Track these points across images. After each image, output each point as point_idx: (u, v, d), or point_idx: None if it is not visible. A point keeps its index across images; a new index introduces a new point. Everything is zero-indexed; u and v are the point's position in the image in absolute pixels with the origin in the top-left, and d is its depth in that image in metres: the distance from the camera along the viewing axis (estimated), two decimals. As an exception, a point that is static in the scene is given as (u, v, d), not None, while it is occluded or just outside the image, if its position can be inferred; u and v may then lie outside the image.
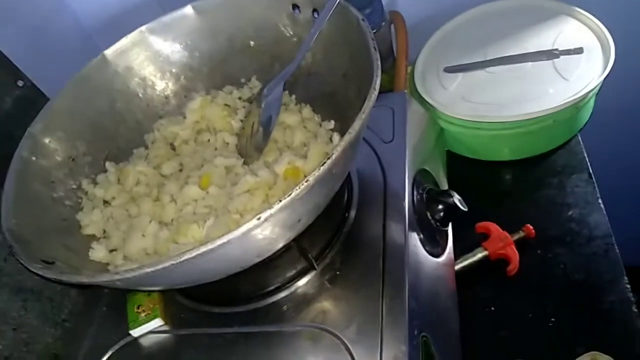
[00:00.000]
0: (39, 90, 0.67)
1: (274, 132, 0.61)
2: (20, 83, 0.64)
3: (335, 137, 0.58)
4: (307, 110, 0.63)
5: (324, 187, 0.45)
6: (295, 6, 0.61)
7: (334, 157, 0.40)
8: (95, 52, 0.65)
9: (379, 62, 0.45)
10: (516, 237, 0.65)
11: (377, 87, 0.44)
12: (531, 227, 0.66)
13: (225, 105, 0.67)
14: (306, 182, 0.39)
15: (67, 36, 0.80)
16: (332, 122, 0.60)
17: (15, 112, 0.63)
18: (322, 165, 0.40)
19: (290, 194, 0.39)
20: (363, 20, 0.50)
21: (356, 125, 0.41)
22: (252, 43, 0.67)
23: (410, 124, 0.67)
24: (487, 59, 0.77)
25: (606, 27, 0.73)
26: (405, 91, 0.74)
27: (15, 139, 0.57)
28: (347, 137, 0.41)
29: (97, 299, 0.63)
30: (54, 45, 0.76)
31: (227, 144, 0.64)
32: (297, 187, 0.39)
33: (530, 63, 0.74)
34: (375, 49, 0.46)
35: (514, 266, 0.63)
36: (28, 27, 0.72)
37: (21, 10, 0.72)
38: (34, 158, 0.58)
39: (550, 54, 0.74)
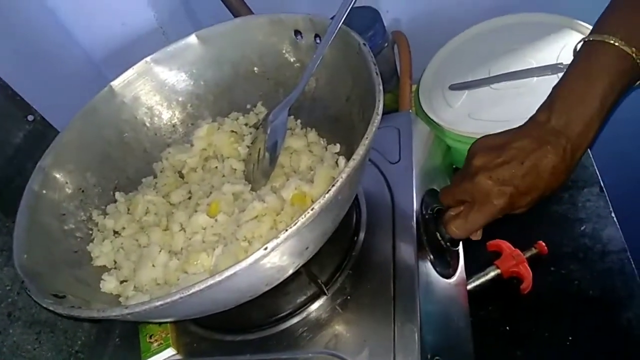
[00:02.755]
0: (48, 124, 0.68)
1: (281, 157, 0.61)
2: (30, 117, 0.65)
3: (341, 160, 0.58)
4: (312, 135, 0.64)
5: (331, 213, 0.45)
6: (297, 32, 0.62)
7: (338, 183, 0.40)
8: (104, 84, 0.66)
9: (381, 87, 0.45)
10: (528, 254, 0.64)
11: (380, 111, 0.44)
12: (543, 243, 0.65)
13: (232, 131, 0.67)
14: (312, 210, 0.39)
15: (76, 69, 0.82)
16: (338, 145, 0.61)
17: (26, 147, 0.64)
18: (328, 192, 0.40)
19: (296, 223, 0.39)
20: (364, 44, 0.50)
21: (360, 151, 0.41)
22: (256, 69, 0.68)
23: (416, 143, 0.67)
24: (492, 75, 0.77)
25: (610, 39, 0.73)
26: (410, 110, 0.74)
27: (26, 173, 0.58)
28: (352, 163, 0.41)
29: (110, 329, 0.63)
30: (64, 78, 0.78)
31: (235, 170, 0.64)
32: (303, 215, 0.39)
33: (535, 78, 0.74)
34: (377, 74, 0.47)
35: (527, 284, 0.62)
36: (37, 61, 0.74)
37: (30, 45, 0.73)
38: (44, 192, 0.58)
39: (555, 68, 0.73)
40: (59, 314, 0.45)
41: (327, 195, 0.40)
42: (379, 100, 0.44)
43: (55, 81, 0.75)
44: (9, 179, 0.61)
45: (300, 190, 0.55)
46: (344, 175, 0.40)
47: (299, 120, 0.66)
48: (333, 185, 0.40)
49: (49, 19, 0.77)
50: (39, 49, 0.75)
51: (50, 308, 0.45)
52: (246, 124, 0.68)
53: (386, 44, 0.78)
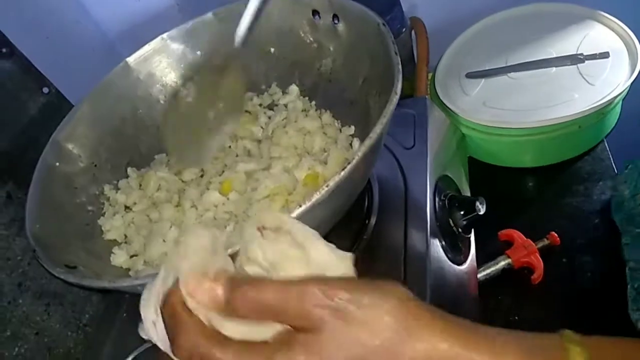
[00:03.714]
0: (63, 97, 0.68)
1: (294, 138, 0.61)
2: (45, 90, 0.65)
3: (356, 142, 0.58)
4: (327, 116, 0.63)
5: (344, 193, 0.45)
6: (315, 12, 0.61)
7: (354, 161, 0.39)
8: (118, 60, 0.66)
9: (400, 66, 0.45)
10: (540, 244, 0.64)
11: (399, 90, 0.43)
12: (556, 234, 0.64)
13: (246, 112, 0.67)
14: (326, 187, 0.39)
15: (90, 44, 0.81)
16: (352, 127, 0.60)
17: (40, 118, 0.64)
18: (343, 170, 0.39)
19: (310, 200, 0.38)
20: (384, 24, 0.50)
21: (377, 129, 0.41)
22: (272, 50, 0.67)
23: (432, 129, 0.66)
24: (510, 64, 0.76)
25: (632, 31, 0.72)
26: (427, 96, 0.73)
27: (39, 145, 0.58)
28: (368, 141, 0.41)
29: (118, 304, 0.63)
30: (78, 54, 0.78)
31: (249, 150, 0.64)
32: (318, 192, 0.39)
33: (554, 68, 0.73)
34: (396, 53, 0.46)
35: (538, 275, 0.62)
36: (52, 35, 0.73)
37: (45, 19, 0.73)
38: (57, 164, 0.58)
39: (575, 59, 0.72)
40: (70, 283, 0.45)
41: (342, 173, 0.39)
42: (398, 80, 0.44)
43: (70, 56, 0.75)
44: (23, 150, 0.61)
45: (314, 171, 0.55)
46: (360, 154, 0.40)
47: (313, 102, 0.65)
48: (349, 163, 0.39)
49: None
50: (55, 23, 0.75)
51: (62, 277, 0.45)
52: (260, 105, 0.68)
53: (404, 30, 0.77)
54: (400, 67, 0.45)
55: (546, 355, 0.29)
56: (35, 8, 0.72)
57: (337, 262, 0.29)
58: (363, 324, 0.27)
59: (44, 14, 0.73)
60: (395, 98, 0.43)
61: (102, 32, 0.83)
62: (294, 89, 0.66)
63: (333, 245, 0.30)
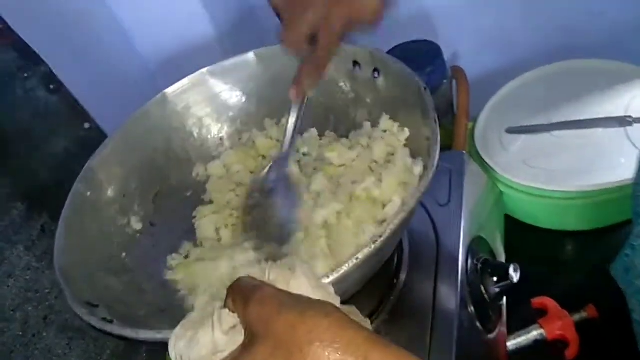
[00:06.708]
0: (102, 131, 0.69)
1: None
2: (86, 125, 0.66)
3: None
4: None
5: (374, 260, 0.44)
6: (356, 63, 0.61)
7: (385, 235, 0.38)
8: (157, 93, 0.67)
9: (439, 136, 0.44)
10: (577, 317, 0.61)
11: (436, 162, 0.42)
12: (594, 307, 0.61)
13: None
14: (356, 259, 0.38)
15: (133, 78, 0.83)
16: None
17: (79, 153, 0.65)
18: (374, 242, 0.38)
19: (339, 272, 0.38)
20: (425, 89, 0.49)
21: (411, 203, 0.40)
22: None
23: (468, 186, 0.64)
24: (553, 121, 0.73)
25: (685, 96, 0.69)
26: (464, 151, 0.71)
27: (75, 180, 0.59)
28: (402, 214, 0.40)
29: (139, 343, 0.63)
30: (120, 87, 0.79)
31: None
32: (346, 265, 0.38)
33: (600, 129, 0.70)
34: (435, 122, 0.45)
35: (573, 350, 0.59)
36: (97, 69, 0.75)
37: (90, 52, 0.75)
38: (89, 193, 0.58)
39: (623, 121, 0.70)
40: (92, 326, 0.45)
41: (373, 246, 0.38)
42: (436, 152, 0.43)
43: (112, 89, 0.77)
44: (60, 184, 0.62)
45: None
46: (392, 226, 0.39)
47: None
48: (380, 237, 0.38)
49: (114, 29, 0.79)
50: (100, 55, 0.77)
51: (85, 318, 0.45)
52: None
53: (445, 80, 0.76)
54: (438, 137, 0.44)
55: None
56: (82, 40, 0.74)
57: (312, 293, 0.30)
58: None
59: (91, 47, 0.76)
60: (432, 170, 0.42)
61: (144, 65, 0.85)
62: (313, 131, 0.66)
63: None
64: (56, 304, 0.60)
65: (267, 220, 0.56)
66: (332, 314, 0.26)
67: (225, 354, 0.28)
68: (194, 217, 0.64)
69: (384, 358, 0.25)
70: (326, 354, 0.24)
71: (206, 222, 0.62)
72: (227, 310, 0.29)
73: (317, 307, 0.27)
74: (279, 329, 0.26)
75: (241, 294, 0.29)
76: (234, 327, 0.29)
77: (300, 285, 0.30)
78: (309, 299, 0.28)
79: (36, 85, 0.62)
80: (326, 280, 0.37)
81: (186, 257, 0.61)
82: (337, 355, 0.24)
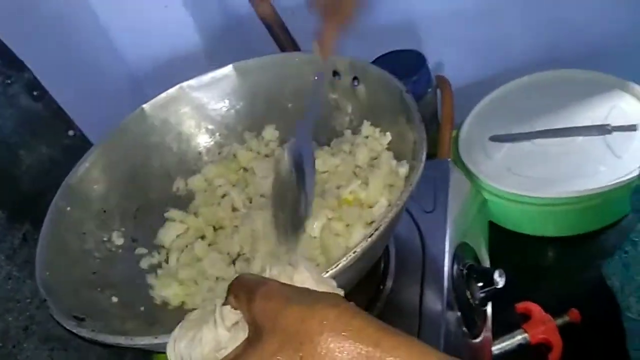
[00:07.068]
0: (86, 139, 0.68)
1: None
2: (71, 133, 0.66)
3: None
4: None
5: (365, 259, 0.44)
6: (336, 73, 0.61)
7: (381, 228, 0.39)
8: (143, 102, 0.66)
9: (425, 135, 0.45)
10: (560, 321, 0.61)
11: (424, 159, 0.43)
12: (577, 311, 0.62)
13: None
14: (353, 253, 0.38)
15: (118, 86, 0.83)
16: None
17: (62, 161, 0.64)
18: (370, 236, 0.39)
19: (337, 265, 0.38)
20: (407, 92, 0.50)
21: (403, 196, 0.40)
22: (289, 105, 0.67)
23: (453, 193, 0.65)
24: (535, 130, 0.75)
25: (663, 105, 0.71)
26: (449, 159, 0.72)
27: (59, 187, 0.58)
28: (395, 208, 0.40)
29: (122, 352, 0.62)
30: (105, 96, 0.79)
31: None
32: (344, 258, 0.38)
33: (580, 137, 0.72)
34: (421, 122, 0.46)
35: (556, 353, 0.59)
36: (82, 77, 0.75)
37: (77, 60, 0.75)
38: (68, 208, 0.57)
39: (603, 130, 0.71)
40: (82, 337, 0.44)
41: (369, 239, 0.39)
42: (423, 149, 0.43)
43: (97, 98, 0.77)
44: (42, 192, 0.61)
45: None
46: (386, 220, 0.40)
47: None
48: (375, 230, 0.39)
49: (101, 37, 0.79)
50: (87, 64, 0.77)
51: (74, 331, 0.44)
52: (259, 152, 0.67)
53: (429, 89, 0.77)
54: (425, 136, 0.44)
55: None
56: (67, 47, 0.74)
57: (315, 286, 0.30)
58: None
59: (75, 54, 0.75)
60: (421, 167, 0.42)
61: (130, 72, 0.85)
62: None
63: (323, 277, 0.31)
64: (37, 314, 0.58)
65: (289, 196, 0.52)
66: (340, 304, 0.26)
67: (228, 350, 0.28)
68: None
69: (394, 345, 0.25)
70: (338, 342, 0.24)
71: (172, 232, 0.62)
72: (228, 307, 0.29)
73: (324, 298, 0.27)
74: (287, 322, 0.26)
75: (244, 290, 0.29)
76: (236, 323, 0.29)
77: (304, 280, 0.30)
78: (315, 291, 0.28)
79: (19, 91, 0.61)
80: (326, 275, 0.38)
81: (168, 271, 0.60)
82: (349, 343, 0.24)
